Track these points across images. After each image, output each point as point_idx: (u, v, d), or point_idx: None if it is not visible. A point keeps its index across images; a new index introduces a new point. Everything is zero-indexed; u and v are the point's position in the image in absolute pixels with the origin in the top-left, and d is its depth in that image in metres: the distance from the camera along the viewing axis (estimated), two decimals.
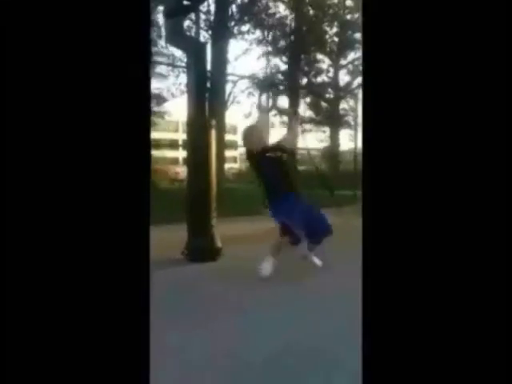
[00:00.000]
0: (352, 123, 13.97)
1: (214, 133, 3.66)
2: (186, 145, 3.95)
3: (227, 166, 10.42)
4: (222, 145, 6.77)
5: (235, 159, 26.92)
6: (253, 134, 3.13)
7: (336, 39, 14.87)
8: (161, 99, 13.53)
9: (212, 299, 2.55)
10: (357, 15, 14.53)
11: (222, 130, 6.55)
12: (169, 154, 21.93)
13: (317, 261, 3.23)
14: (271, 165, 3.02)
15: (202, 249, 3.52)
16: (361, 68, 15.73)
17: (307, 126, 14.69)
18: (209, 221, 3.58)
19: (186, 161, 3.85)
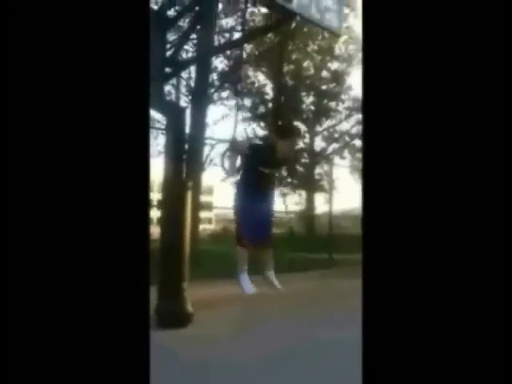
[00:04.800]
0: (327, 187, 14.25)
1: (190, 194, 3.66)
2: (162, 204, 3.93)
3: (202, 226, 10.37)
4: (198, 206, 6.77)
5: (210, 220, 26.79)
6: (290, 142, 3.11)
7: (312, 107, 15.58)
8: None
9: (181, 369, 2.41)
10: (332, 85, 15.40)
11: (198, 191, 6.57)
12: None
13: (275, 281, 3.15)
14: (260, 174, 2.99)
15: (172, 313, 3.38)
16: (335, 135, 16.44)
17: (284, 190, 14.91)
18: (180, 283, 3.47)
19: (160, 221, 3.80)
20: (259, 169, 2.99)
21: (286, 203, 15.56)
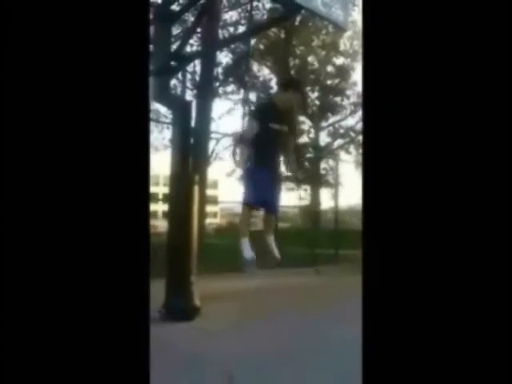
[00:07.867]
0: (332, 182, 14.20)
1: (196, 188, 3.66)
2: (168, 199, 3.94)
3: (208, 221, 10.40)
4: (204, 200, 6.78)
5: (216, 214, 26.82)
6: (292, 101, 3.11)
7: (317, 102, 15.52)
8: None
9: (188, 362, 2.41)
10: (336, 81, 15.33)
11: (203, 185, 6.57)
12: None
13: (276, 252, 3.11)
14: (270, 131, 2.99)
15: (179, 308, 3.39)
16: (341, 130, 16.40)
17: (289, 185, 14.88)
18: (188, 277, 3.48)
19: (167, 215, 3.81)
20: (268, 126, 2.98)
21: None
